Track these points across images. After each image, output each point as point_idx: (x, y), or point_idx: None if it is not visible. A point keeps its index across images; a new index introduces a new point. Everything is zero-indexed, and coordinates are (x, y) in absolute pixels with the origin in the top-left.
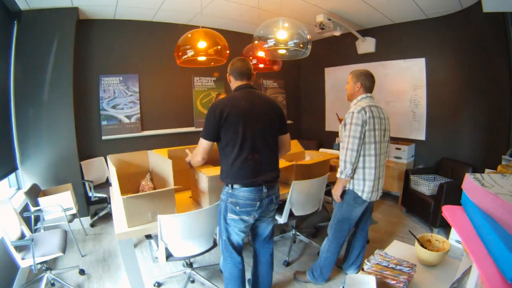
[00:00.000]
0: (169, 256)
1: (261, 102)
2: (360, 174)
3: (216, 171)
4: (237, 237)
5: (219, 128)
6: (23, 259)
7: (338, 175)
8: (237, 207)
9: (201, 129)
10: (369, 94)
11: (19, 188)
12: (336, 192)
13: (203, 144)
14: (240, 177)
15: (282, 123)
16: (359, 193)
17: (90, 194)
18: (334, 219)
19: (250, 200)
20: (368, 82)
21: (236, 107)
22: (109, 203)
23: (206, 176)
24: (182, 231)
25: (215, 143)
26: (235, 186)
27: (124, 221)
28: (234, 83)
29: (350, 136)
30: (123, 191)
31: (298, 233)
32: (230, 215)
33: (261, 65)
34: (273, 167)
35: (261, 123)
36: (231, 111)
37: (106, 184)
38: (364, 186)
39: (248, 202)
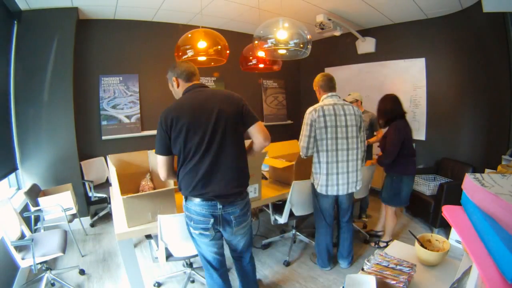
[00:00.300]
0: (169, 256)
1: (211, 101)
2: (316, 168)
3: None
4: (209, 252)
5: (169, 139)
6: (23, 259)
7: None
8: (192, 222)
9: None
10: (330, 94)
11: (19, 188)
12: None
13: (158, 159)
14: (187, 187)
15: (244, 116)
16: (316, 187)
17: (90, 194)
18: (313, 209)
19: (202, 216)
20: (322, 82)
21: (181, 112)
22: (109, 203)
23: None
24: (182, 231)
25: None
26: (188, 198)
27: (124, 221)
28: (183, 86)
29: (302, 135)
30: (123, 191)
31: (298, 233)
32: (191, 230)
33: (261, 65)
34: (232, 178)
35: (212, 126)
36: (177, 118)
37: (106, 184)
38: (319, 180)
39: (200, 218)
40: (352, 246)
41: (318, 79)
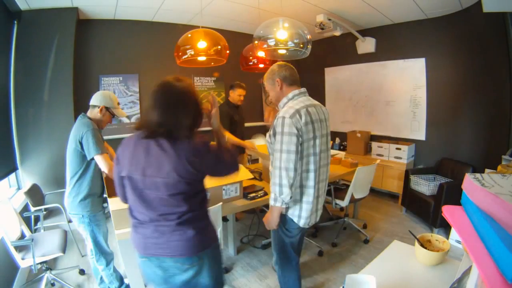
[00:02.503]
0: None
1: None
2: (297, 195)
3: None
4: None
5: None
6: (23, 259)
7: (271, 202)
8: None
9: (201, 129)
10: (302, 90)
11: (19, 188)
12: (272, 224)
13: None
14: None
15: None
16: (295, 219)
17: None
18: (276, 246)
19: None
20: (286, 72)
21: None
22: None
23: None
24: None
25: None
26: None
27: (123, 221)
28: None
29: (283, 151)
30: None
31: None
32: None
33: (261, 65)
34: None
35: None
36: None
37: None
38: (301, 211)
39: None
40: None
41: (277, 69)
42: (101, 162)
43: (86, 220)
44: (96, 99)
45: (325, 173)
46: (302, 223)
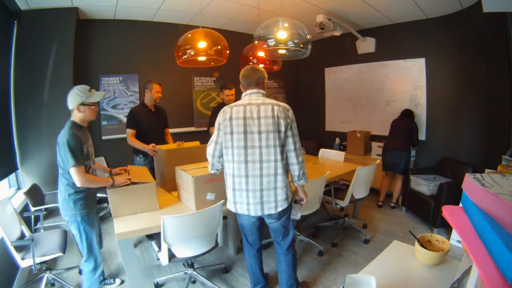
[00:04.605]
0: (172, 257)
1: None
2: (225, 181)
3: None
4: None
5: None
6: (23, 259)
7: None
8: None
9: (201, 129)
10: (249, 91)
11: (19, 188)
12: None
13: None
14: None
15: None
16: (227, 203)
17: None
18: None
19: None
20: (241, 78)
21: None
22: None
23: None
24: (185, 232)
25: None
26: None
27: (124, 221)
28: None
29: (211, 141)
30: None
31: (298, 233)
32: None
33: (261, 65)
34: None
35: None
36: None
37: None
38: (227, 194)
39: None
40: (294, 280)
41: (240, 73)
42: (75, 175)
43: (78, 218)
44: (70, 103)
45: (259, 169)
46: (234, 208)
